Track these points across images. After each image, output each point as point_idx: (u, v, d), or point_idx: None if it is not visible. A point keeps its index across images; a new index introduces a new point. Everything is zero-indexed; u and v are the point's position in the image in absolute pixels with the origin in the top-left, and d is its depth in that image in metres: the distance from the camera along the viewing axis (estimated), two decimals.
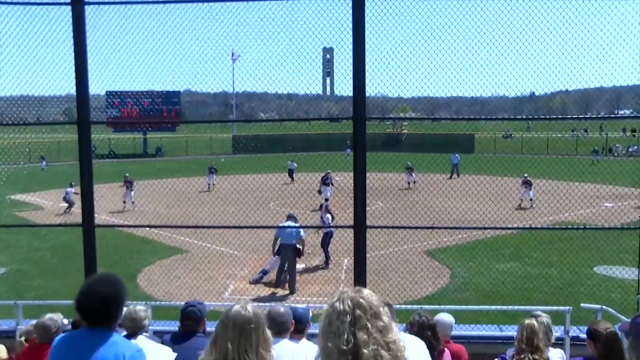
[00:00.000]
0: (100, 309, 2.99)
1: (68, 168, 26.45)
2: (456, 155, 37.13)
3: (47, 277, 15.14)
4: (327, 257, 16.25)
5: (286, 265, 14.10)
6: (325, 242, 16.23)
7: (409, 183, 31.71)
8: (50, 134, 38.31)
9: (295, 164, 35.57)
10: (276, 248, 13.96)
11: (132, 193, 26.91)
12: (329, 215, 16.49)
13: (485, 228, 15.88)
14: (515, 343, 4.17)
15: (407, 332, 4.51)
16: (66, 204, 25.50)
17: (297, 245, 13.90)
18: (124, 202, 26.24)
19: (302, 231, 14.02)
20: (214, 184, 31.58)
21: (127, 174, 26.98)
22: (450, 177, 35.43)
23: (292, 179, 34.79)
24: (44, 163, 43.86)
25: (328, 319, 2.44)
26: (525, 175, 24.65)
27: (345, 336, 2.37)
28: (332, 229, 15.71)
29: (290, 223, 13.89)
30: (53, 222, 20.52)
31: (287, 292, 13.99)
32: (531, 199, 24.33)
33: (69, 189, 25.43)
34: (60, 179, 28.43)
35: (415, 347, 3.94)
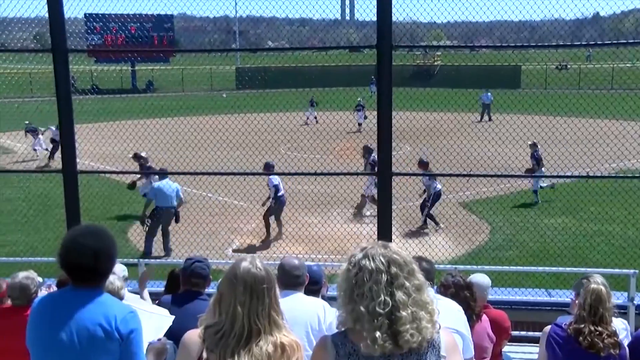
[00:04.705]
0: (90, 264, 3.00)
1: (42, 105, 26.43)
2: (487, 94, 35.82)
3: (24, 230, 15.41)
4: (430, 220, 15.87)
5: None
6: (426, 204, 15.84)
7: (359, 124, 31.32)
8: (20, 63, 37.61)
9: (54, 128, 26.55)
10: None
11: (41, 140, 25.82)
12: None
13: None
14: (576, 310, 4.10)
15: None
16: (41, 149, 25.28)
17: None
18: (35, 149, 25.49)
19: (180, 191, 14.12)
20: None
21: (27, 122, 26.15)
22: (481, 120, 34.88)
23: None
24: None
25: (355, 279, 2.46)
26: None
27: (382, 298, 2.39)
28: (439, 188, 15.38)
29: (168, 181, 13.93)
30: (26, 168, 20.69)
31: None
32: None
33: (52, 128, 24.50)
34: (34, 117, 28.38)
35: (451, 311, 3.95)
